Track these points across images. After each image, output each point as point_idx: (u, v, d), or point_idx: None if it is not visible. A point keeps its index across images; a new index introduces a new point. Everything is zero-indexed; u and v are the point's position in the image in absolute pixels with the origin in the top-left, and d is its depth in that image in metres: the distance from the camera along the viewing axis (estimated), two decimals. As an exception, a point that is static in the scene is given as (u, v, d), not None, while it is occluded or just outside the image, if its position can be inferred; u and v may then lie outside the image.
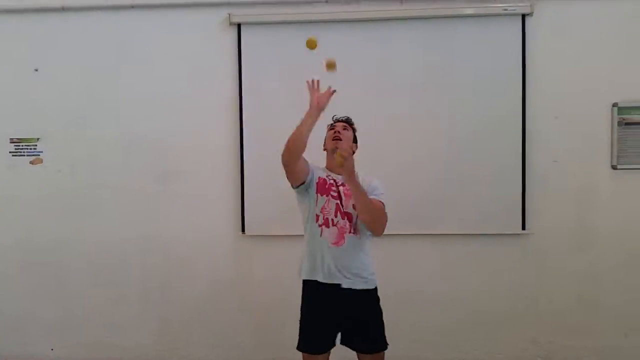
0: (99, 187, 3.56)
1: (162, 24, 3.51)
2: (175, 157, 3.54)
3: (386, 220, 2.33)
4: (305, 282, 2.41)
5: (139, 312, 3.59)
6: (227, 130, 3.51)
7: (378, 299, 2.43)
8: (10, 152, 3.58)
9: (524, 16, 3.34)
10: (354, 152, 2.37)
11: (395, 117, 3.37)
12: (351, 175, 2.22)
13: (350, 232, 2.35)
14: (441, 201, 3.37)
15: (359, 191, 2.24)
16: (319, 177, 2.39)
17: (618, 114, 3.36)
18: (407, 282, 3.42)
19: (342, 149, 2.25)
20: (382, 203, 2.34)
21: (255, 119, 3.47)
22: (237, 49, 3.46)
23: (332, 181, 2.40)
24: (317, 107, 2.28)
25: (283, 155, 2.27)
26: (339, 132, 2.43)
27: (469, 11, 3.35)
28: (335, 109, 3.33)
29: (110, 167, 3.56)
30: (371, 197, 2.32)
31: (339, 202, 2.36)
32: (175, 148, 3.53)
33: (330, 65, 2.31)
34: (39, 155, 3.58)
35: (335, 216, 2.34)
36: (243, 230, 3.52)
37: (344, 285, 2.32)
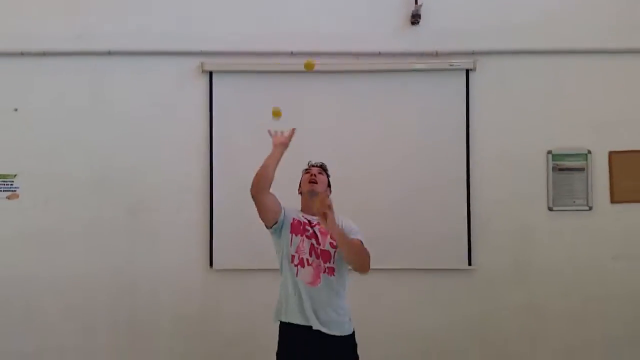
0: (70, 221, 3.71)
1: (138, 69, 3.75)
2: (145, 193, 3.73)
3: (369, 257, 2.39)
4: (281, 324, 2.45)
5: (108, 345, 3.70)
6: (198, 167, 3.73)
7: (355, 346, 2.47)
8: (-13, 188, 3.74)
9: (467, 71, 3.71)
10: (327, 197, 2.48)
11: (350, 161, 3.61)
12: (334, 223, 2.25)
13: (325, 272, 2.39)
14: (394, 239, 3.62)
15: (343, 237, 2.31)
16: (293, 218, 2.47)
17: (552, 160, 3.73)
18: (359, 316, 3.64)
19: (321, 199, 2.28)
20: (361, 242, 2.41)
21: (224, 157, 3.71)
22: (208, 95, 3.73)
23: (306, 221, 2.47)
24: (280, 144, 2.47)
25: (251, 188, 2.40)
26: (314, 175, 2.52)
27: (419, 66, 3.70)
28: (296, 154, 3.65)
29: (82, 202, 3.72)
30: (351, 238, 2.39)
31: (314, 241, 2.43)
32: (145, 185, 3.73)
33: (276, 113, 2.56)
34: (15, 190, 3.74)
35: (310, 255, 2.40)
36: (211, 264, 3.71)
37: (316, 328, 2.34)
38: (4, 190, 3.74)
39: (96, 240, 3.73)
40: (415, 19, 3.66)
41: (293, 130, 2.53)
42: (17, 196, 3.74)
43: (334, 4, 3.77)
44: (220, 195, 3.71)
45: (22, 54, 3.73)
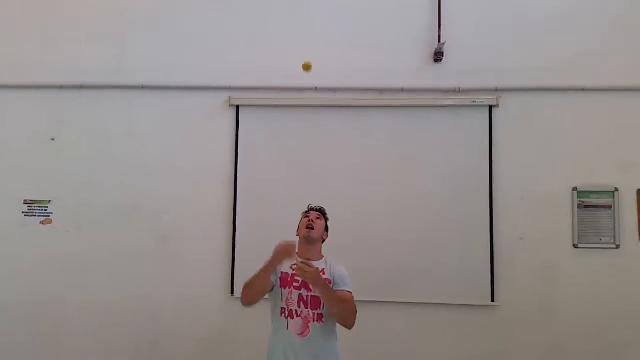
0: (100, 248, 3.86)
1: (169, 103, 3.93)
2: (173, 222, 3.85)
3: (356, 312, 2.39)
4: None
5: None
6: (222, 197, 3.84)
7: None
8: (23, 213, 3.91)
9: (491, 107, 3.73)
10: (324, 241, 2.57)
11: (372, 195, 3.69)
12: (316, 281, 2.28)
13: (314, 321, 2.41)
14: (416, 273, 3.63)
15: (328, 293, 2.32)
16: (282, 272, 2.48)
17: (578, 197, 3.68)
18: (375, 348, 3.62)
19: (300, 267, 2.27)
20: (351, 294, 2.42)
21: (248, 188, 3.81)
22: (235, 127, 3.86)
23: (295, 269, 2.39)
24: (282, 251, 2.34)
25: (242, 300, 2.44)
26: (312, 221, 2.54)
27: (442, 102, 3.75)
28: (321, 181, 3.75)
29: (112, 230, 3.86)
30: (340, 289, 2.41)
31: (303, 290, 2.43)
32: (173, 213, 3.85)
33: (307, 67, 2.58)
34: (49, 216, 3.91)
35: (299, 306, 2.43)
36: (232, 292, 3.77)
37: None
38: (38, 215, 3.91)
39: (124, 266, 3.84)
40: (438, 56, 3.73)
41: (295, 245, 2.41)
42: (50, 221, 3.90)
43: (358, 40, 3.86)
44: (243, 224, 3.79)
45: (61, 86, 3.95)
